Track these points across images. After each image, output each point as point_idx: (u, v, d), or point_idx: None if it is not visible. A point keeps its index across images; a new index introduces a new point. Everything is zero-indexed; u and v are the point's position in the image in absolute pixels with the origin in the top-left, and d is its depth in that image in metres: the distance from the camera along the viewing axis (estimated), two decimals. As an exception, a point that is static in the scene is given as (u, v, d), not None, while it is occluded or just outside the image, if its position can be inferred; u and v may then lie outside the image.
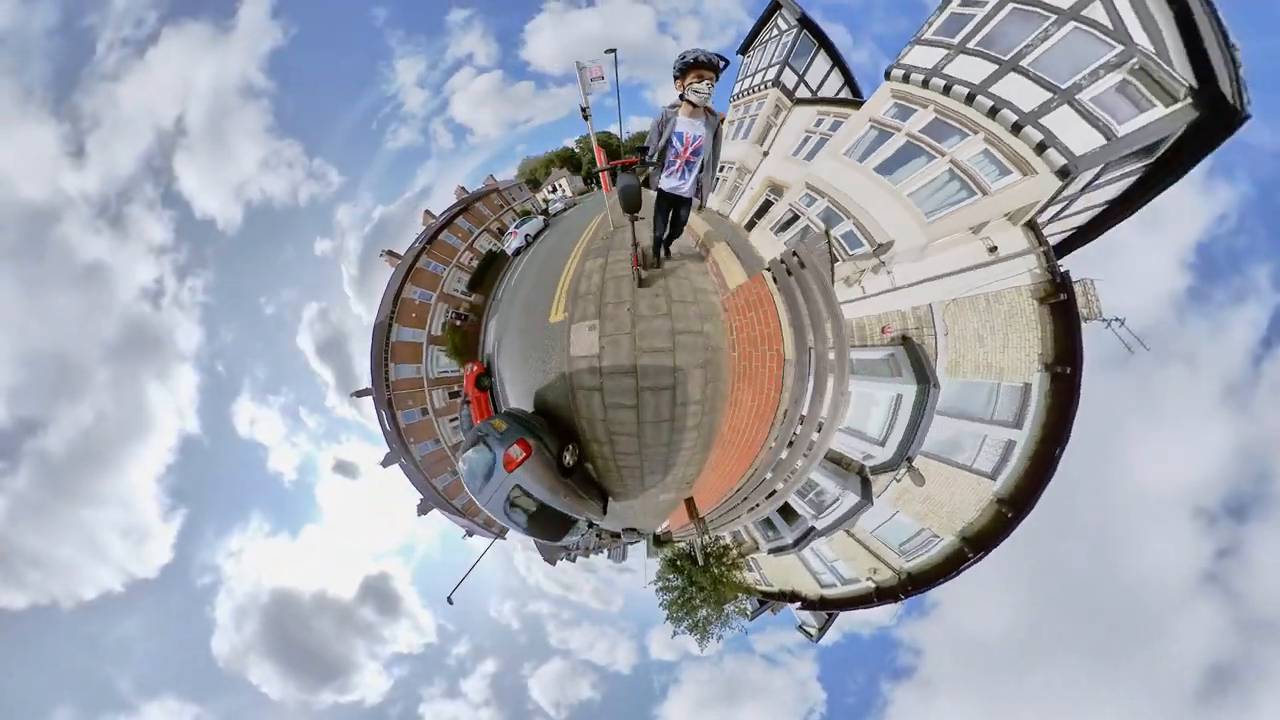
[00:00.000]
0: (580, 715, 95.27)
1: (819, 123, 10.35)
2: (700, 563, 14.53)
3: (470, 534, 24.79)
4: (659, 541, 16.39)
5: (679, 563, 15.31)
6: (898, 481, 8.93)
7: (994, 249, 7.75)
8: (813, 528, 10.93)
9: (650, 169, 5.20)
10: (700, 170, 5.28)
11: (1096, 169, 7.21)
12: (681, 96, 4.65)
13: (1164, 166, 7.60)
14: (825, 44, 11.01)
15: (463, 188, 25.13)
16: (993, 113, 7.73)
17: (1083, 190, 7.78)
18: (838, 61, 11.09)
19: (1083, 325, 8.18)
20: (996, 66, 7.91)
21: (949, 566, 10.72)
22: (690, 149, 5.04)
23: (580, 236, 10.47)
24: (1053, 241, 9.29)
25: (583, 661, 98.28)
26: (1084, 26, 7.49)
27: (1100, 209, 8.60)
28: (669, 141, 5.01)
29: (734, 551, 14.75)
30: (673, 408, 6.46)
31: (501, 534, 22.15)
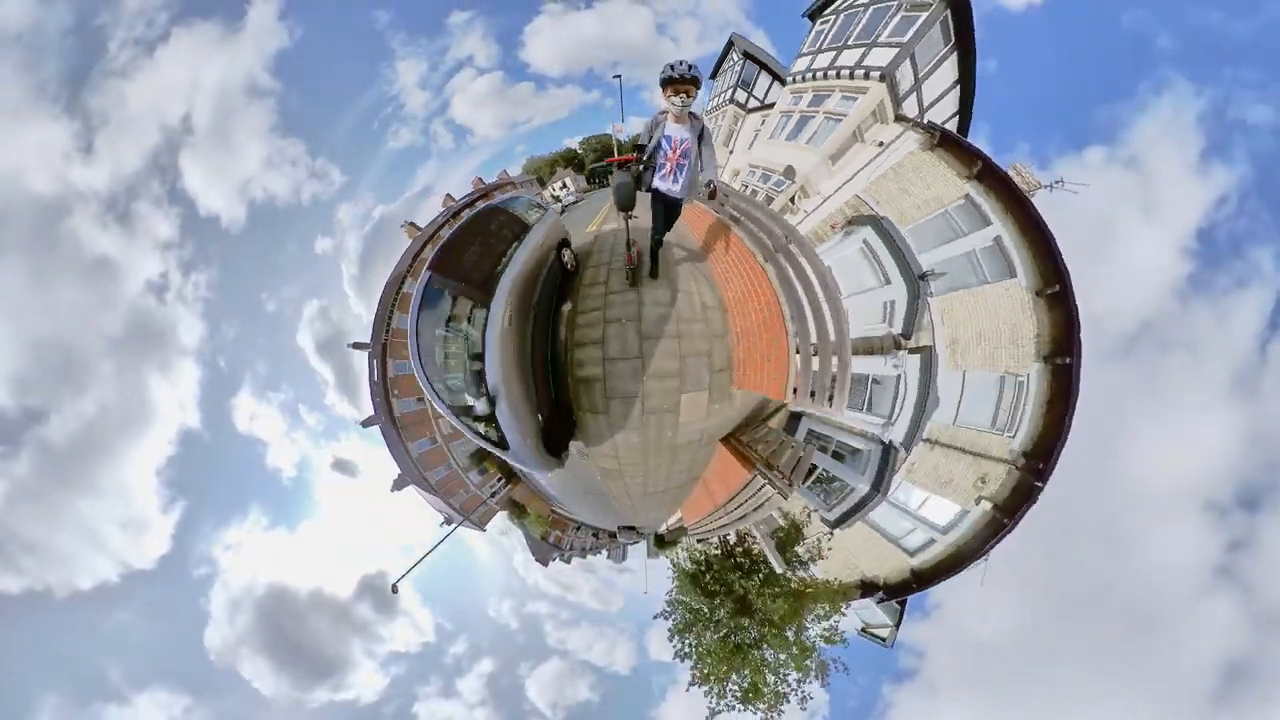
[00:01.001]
0: (577, 716, 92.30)
1: (763, 122, 14.74)
2: (780, 566, 10.07)
3: (448, 520, 22.34)
4: (662, 542, 12.91)
5: (709, 574, 10.48)
6: (932, 296, 9.78)
7: (880, 143, 10.89)
8: (889, 445, 9.81)
9: (643, 168, 5.62)
10: (691, 171, 5.61)
11: (906, 64, 10.62)
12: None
13: (961, 41, 10.84)
14: (765, 67, 15.88)
15: (480, 178, 27.60)
16: (838, 76, 11.72)
17: (919, 81, 11.03)
18: (777, 77, 15.78)
19: (1030, 197, 10.02)
20: (836, 51, 12.15)
21: (1059, 405, 10.01)
22: (679, 151, 5.43)
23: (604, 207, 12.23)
24: (951, 126, 12.15)
25: (581, 662, 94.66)
26: (878, 5, 11.71)
27: (951, 88, 11.57)
28: (659, 144, 5.42)
29: (801, 531, 10.59)
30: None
31: (481, 524, 20.72)
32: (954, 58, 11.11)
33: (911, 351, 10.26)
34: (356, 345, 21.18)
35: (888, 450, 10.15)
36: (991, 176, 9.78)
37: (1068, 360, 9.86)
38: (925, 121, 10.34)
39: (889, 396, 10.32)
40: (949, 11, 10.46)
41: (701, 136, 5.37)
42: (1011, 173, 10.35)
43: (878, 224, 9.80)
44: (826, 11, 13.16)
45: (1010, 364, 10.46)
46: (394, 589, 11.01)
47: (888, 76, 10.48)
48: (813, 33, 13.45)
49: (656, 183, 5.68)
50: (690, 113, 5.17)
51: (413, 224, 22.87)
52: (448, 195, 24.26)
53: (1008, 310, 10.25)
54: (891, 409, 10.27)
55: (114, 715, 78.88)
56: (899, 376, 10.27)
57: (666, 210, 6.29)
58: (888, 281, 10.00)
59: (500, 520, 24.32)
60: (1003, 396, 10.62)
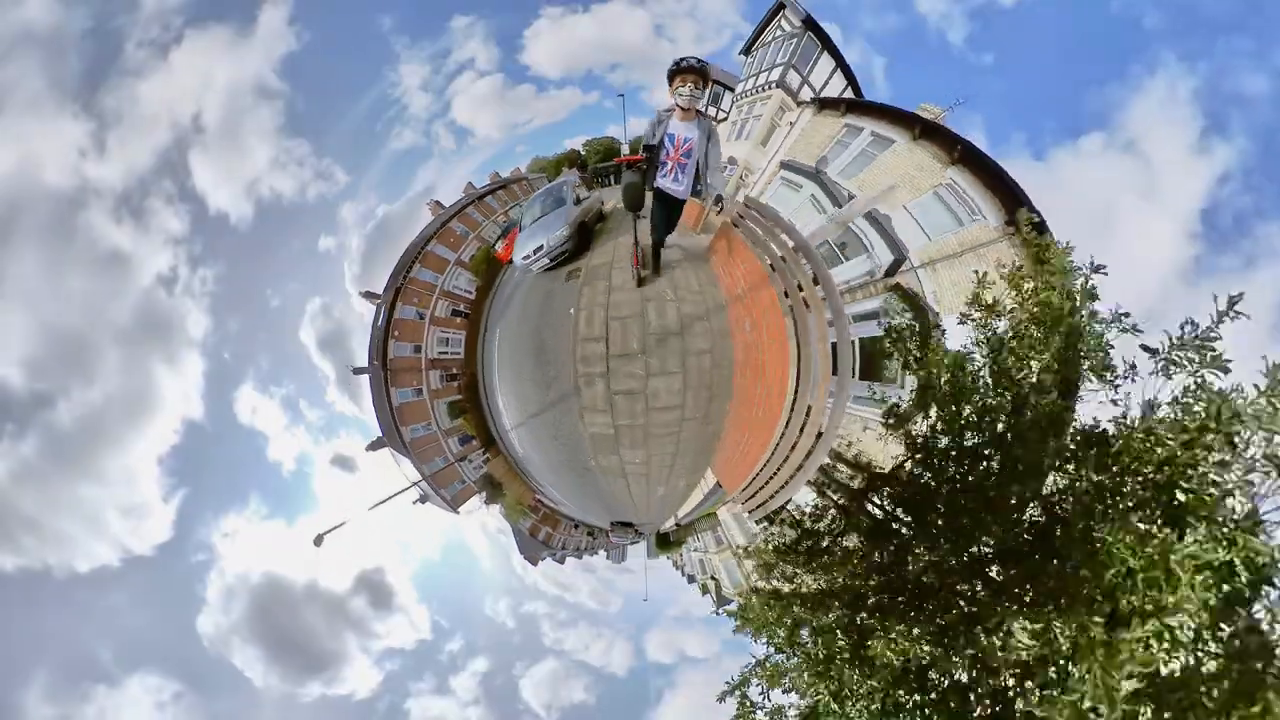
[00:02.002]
0: (571, 718, 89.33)
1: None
2: None
3: (423, 499, 21.62)
4: (667, 542, 11.41)
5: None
6: (831, 176, 13.78)
7: (792, 123, 16.10)
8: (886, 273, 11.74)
9: (647, 167, 5.70)
10: (697, 172, 5.60)
11: (791, 71, 16.09)
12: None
13: (824, 41, 16.20)
14: (728, 88, 21.75)
15: (496, 173, 30.17)
16: (756, 93, 17.46)
17: (806, 78, 16.33)
18: (841, 63, 21.23)
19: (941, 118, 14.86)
20: (755, 76, 18.03)
21: (990, 170, 11.05)
22: (681, 150, 5.44)
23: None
24: (850, 98, 17.00)
25: (577, 662, 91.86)
26: (775, 39, 17.64)
27: (834, 72, 16.63)
28: (661, 142, 5.45)
29: None
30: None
31: (454, 505, 20.07)
32: (825, 54, 16.41)
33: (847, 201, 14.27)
34: (368, 295, 23.21)
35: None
36: (856, 107, 14.51)
37: (960, 146, 11.59)
38: (812, 99, 15.52)
39: (853, 240, 12.65)
40: (808, 31, 16.07)
41: (710, 137, 5.45)
42: (920, 111, 14.96)
43: (784, 164, 14.78)
44: (752, 49, 19.27)
45: (931, 180, 12.20)
46: (317, 541, 11.06)
47: (781, 84, 16.01)
48: (745, 66, 19.59)
49: (658, 181, 5.81)
50: (698, 110, 5.26)
51: (437, 202, 26.37)
52: (469, 184, 27.59)
53: (904, 159, 12.85)
54: (862, 243, 12.44)
55: (103, 695, 79.85)
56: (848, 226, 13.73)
57: (667, 209, 6.47)
58: (801, 187, 14.61)
59: (483, 510, 22.97)
60: (948, 201, 11.97)
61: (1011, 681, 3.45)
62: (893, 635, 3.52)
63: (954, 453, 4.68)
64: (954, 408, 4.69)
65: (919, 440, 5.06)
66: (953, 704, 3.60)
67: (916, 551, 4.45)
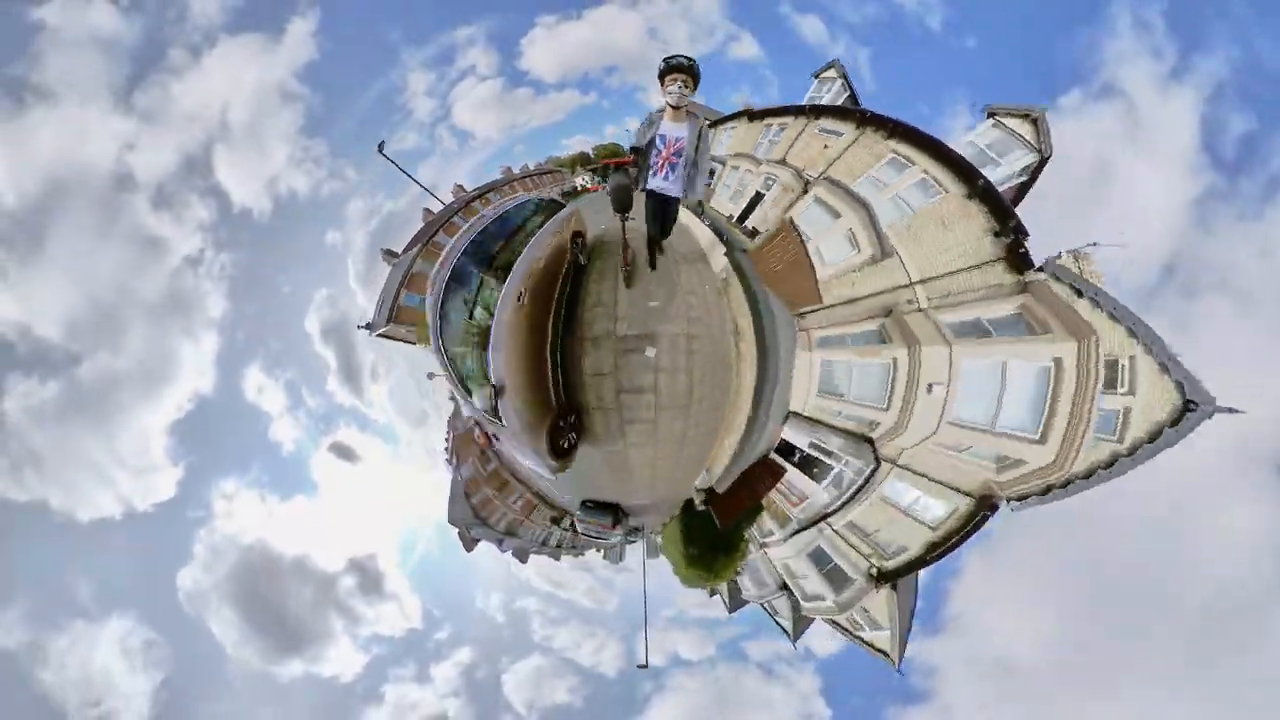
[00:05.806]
0: (552, 718, 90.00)
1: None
2: None
3: (369, 326, 24.18)
4: (711, 551, 10.13)
5: None
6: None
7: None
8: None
9: (638, 169, 5.76)
10: (684, 169, 5.70)
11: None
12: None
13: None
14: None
15: (509, 167, 35.25)
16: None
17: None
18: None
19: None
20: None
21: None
22: (672, 150, 5.52)
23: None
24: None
25: (565, 660, 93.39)
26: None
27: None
28: (652, 142, 5.55)
29: None
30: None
31: (371, 328, 22.74)
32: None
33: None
34: (429, 199, 23.82)
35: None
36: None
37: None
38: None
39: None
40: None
41: (700, 137, 5.54)
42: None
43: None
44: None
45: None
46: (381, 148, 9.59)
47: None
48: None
49: (650, 181, 5.90)
50: (689, 111, 5.41)
51: (460, 185, 30.86)
52: (507, 167, 32.57)
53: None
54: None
55: (79, 629, 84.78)
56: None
57: (663, 209, 6.64)
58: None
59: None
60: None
61: None
62: None
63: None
64: None
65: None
66: None
67: None
